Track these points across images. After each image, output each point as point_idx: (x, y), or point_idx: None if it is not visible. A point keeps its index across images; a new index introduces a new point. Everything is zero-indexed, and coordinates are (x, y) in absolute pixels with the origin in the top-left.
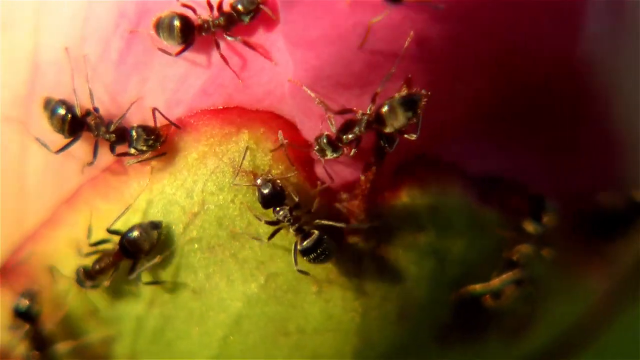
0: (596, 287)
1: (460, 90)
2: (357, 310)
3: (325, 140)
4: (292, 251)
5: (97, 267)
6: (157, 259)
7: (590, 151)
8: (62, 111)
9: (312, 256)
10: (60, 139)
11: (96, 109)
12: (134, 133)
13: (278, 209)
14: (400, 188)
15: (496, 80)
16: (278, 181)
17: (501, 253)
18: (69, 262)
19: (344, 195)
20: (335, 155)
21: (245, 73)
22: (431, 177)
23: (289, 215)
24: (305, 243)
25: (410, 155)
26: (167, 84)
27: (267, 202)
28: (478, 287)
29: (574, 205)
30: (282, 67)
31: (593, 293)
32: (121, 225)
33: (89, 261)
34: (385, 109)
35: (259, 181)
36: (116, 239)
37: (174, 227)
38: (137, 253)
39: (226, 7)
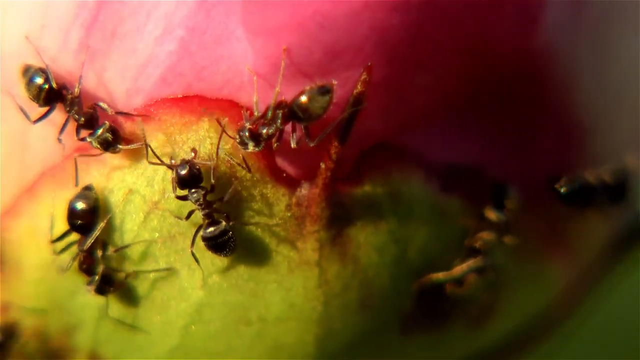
0: (560, 275)
1: (422, 80)
2: (318, 299)
3: (247, 134)
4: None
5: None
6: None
7: (551, 138)
8: (40, 80)
9: (211, 244)
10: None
11: (78, 86)
12: (100, 130)
13: (193, 190)
14: (362, 176)
15: (458, 70)
16: (196, 165)
17: (463, 241)
18: (31, 253)
19: (304, 184)
20: (257, 148)
21: (204, 61)
22: (393, 166)
23: (201, 199)
24: (208, 230)
25: (372, 144)
26: (126, 73)
27: (183, 183)
28: (440, 275)
29: (536, 193)
30: (241, 56)
31: (557, 281)
32: None
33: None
34: (297, 101)
35: (178, 162)
36: None
37: (134, 215)
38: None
39: None
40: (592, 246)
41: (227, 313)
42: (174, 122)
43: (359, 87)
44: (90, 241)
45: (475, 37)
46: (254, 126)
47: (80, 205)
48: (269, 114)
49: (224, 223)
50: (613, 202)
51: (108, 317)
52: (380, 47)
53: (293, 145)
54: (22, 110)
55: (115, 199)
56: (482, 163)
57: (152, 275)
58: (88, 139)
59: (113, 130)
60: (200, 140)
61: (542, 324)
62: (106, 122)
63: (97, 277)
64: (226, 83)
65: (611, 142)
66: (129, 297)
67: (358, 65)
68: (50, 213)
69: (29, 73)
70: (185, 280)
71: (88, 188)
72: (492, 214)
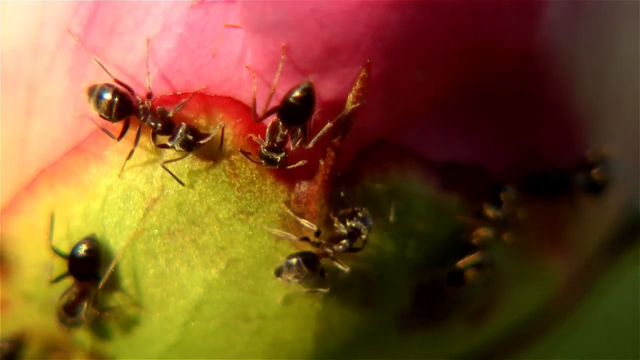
0: (559, 272)
1: (420, 78)
2: (317, 297)
3: (264, 152)
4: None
5: (67, 301)
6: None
7: (549, 136)
8: (108, 95)
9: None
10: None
11: (149, 95)
12: (181, 131)
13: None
14: (360, 173)
15: (456, 67)
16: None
17: (462, 238)
18: (30, 250)
19: (303, 181)
20: (283, 155)
21: (203, 59)
22: (392, 163)
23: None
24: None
25: (371, 141)
26: (125, 70)
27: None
28: (439, 272)
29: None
30: (240, 53)
31: (556, 278)
32: (82, 217)
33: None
34: (283, 105)
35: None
36: None
37: (133, 212)
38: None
39: None
40: (590, 243)
41: (227, 310)
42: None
43: (357, 84)
44: (90, 296)
45: (473, 34)
46: (269, 143)
47: (82, 254)
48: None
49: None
50: (590, 190)
51: (107, 314)
52: (378, 44)
53: (292, 147)
54: (105, 131)
55: (115, 196)
56: (481, 161)
57: (151, 271)
58: (169, 144)
59: (192, 130)
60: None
61: (540, 321)
62: (183, 123)
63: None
64: (225, 80)
65: (610, 139)
66: (129, 294)
67: (356, 63)
68: (50, 212)
69: (95, 90)
70: (185, 277)
71: (91, 238)
72: (490, 211)
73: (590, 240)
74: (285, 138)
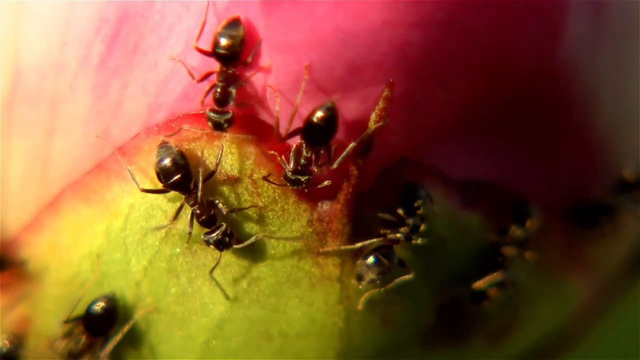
0: (580, 291)
1: (442, 95)
2: (340, 315)
3: (290, 175)
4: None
5: (73, 350)
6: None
7: (571, 154)
8: (173, 168)
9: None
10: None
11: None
12: (217, 232)
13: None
14: (383, 192)
15: (478, 85)
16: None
17: (484, 256)
18: (52, 268)
19: (326, 200)
20: (308, 177)
21: None
22: (414, 181)
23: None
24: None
25: (393, 160)
26: (148, 89)
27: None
28: (461, 289)
29: (557, 208)
30: (262, 71)
31: (577, 297)
32: (104, 235)
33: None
34: (307, 126)
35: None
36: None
37: (156, 231)
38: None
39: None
40: (611, 262)
41: (248, 328)
42: (196, 138)
43: (380, 103)
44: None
45: (496, 52)
46: (294, 166)
47: (98, 312)
48: (293, 152)
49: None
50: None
51: (129, 332)
52: (400, 63)
53: (316, 170)
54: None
55: (137, 214)
56: (503, 179)
57: (173, 290)
58: (203, 238)
59: (229, 234)
60: (222, 155)
61: (560, 340)
62: (223, 224)
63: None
64: (247, 98)
65: (632, 156)
66: (151, 312)
67: (378, 82)
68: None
69: (163, 154)
70: (207, 296)
71: (109, 297)
72: (512, 230)
73: (611, 260)
74: (309, 160)
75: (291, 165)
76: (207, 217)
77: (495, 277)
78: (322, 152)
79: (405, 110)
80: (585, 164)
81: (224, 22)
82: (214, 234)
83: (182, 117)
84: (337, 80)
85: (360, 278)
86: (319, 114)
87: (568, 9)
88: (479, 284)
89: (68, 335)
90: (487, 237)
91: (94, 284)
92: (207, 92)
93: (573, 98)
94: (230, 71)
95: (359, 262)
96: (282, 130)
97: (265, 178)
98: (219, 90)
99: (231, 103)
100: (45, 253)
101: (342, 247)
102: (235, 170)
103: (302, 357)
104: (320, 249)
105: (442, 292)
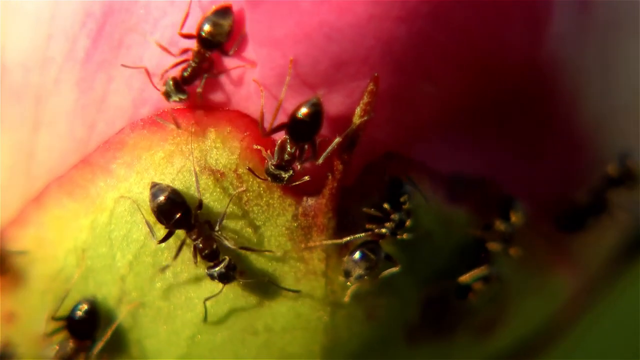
0: (566, 285)
1: (428, 90)
2: (325, 309)
3: (272, 169)
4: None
5: (62, 354)
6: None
7: (557, 149)
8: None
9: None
10: None
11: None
12: (221, 266)
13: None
14: (368, 187)
15: (464, 80)
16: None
17: (469, 251)
18: (37, 263)
19: (311, 195)
20: (290, 173)
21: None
22: (399, 175)
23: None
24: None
25: (379, 154)
26: (133, 83)
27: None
28: (446, 284)
29: (541, 203)
30: (244, 65)
31: (563, 291)
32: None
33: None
34: (293, 121)
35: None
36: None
37: (141, 225)
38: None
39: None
40: (597, 257)
41: (234, 323)
42: (181, 133)
43: (365, 97)
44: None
45: (482, 47)
46: (277, 161)
47: (81, 315)
48: (278, 147)
49: (227, 259)
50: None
51: (114, 327)
52: (386, 57)
53: (299, 166)
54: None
55: (122, 209)
56: (489, 174)
57: (158, 284)
58: (208, 271)
59: (233, 267)
60: (206, 150)
61: (546, 334)
62: (226, 257)
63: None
64: (233, 93)
65: (617, 150)
66: (136, 307)
67: (364, 76)
68: (58, 224)
69: (158, 193)
70: (192, 290)
71: (90, 300)
72: (498, 225)
73: (597, 254)
74: (293, 156)
75: (275, 160)
76: (210, 251)
77: (480, 271)
78: (306, 147)
79: (391, 104)
80: (571, 158)
81: (214, 8)
82: (217, 268)
83: (166, 112)
84: (322, 74)
85: (347, 274)
86: (304, 109)
87: (554, 3)
88: (464, 277)
89: (53, 334)
90: (473, 232)
91: (79, 279)
92: (176, 65)
93: (559, 93)
94: (207, 54)
95: (345, 258)
96: (267, 125)
97: (249, 169)
98: (189, 69)
99: (198, 90)
100: (31, 248)
101: (327, 242)
102: (220, 165)
103: (287, 352)
104: (306, 244)
105: (428, 287)
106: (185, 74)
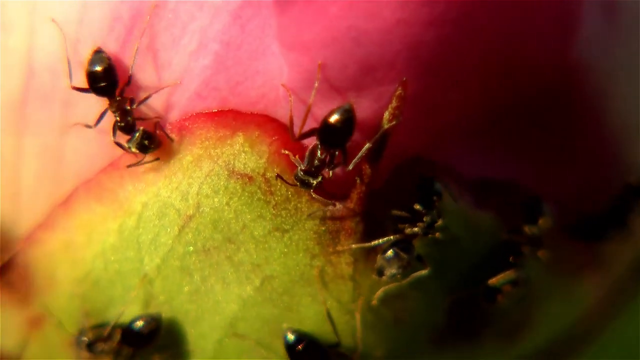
0: (592, 290)
1: (455, 95)
2: (352, 313)
3: (301, 175)
4: None
5: (99, 348)
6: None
7: (584, 153)
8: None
9: None
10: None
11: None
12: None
13: None
14: (396, 190)
15: (492, 85)
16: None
17: (496, 255)
18: (65, 266)
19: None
20: (319, 180)
21: (239, 76)
22: (426, 179)
23: None
24: None
25: (406, 158)
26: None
27: None
28: (474, 289)
29: (569, 208)
30: (276, 70)
31: (589, 296)
32: (117, 233)
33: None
34: (324, 127)
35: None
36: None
37: (169, 229)
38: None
39: None
40: (622, 263)
41: (261, 327)
42: (209, 137)
43: (394, 102)
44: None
45: (509, 51)
46: (307, 167)
47: (142, 330)
48: (308, 152)
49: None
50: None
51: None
52: (414, 61)
53: (330, 174)
54: (119, 145)
55: (150, 213)
56: (516, 178)
57: (186, 288)
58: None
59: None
60: (235, 154)
61: (569, 342)
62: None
63: None
64: (261, 98)
65: None
66: (163, 310)
67: (391, 81)
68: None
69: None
70: (220, 294)
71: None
72: (525, 229)
73: (621, 261)
74: (322, 162)
75: (304, 165)
76: (126, 124)
77: (507, 275)
78: (336, 153)
79: (419, 109)
80: (598, 164)
81: (88, 58)
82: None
83: (195, 116)
84: (350, 79)
85: (380, 273)
86: (336, 116)
87: (582, 7)
88: (493, 281)
89: (96, 340)
90: (500, 236)
91: (106, 282)
92: (113, 128)
93: (587, 97)
94: (118, 98)
95: (378, 256)
96: (296, 130)
97: (278, 176)
98: (118, 119)
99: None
100: (58, 251)
101: (355, 246)
102: (249, 169)
103: None
104: (334, 248)
105: (455, 290)
106: (122, 125)
